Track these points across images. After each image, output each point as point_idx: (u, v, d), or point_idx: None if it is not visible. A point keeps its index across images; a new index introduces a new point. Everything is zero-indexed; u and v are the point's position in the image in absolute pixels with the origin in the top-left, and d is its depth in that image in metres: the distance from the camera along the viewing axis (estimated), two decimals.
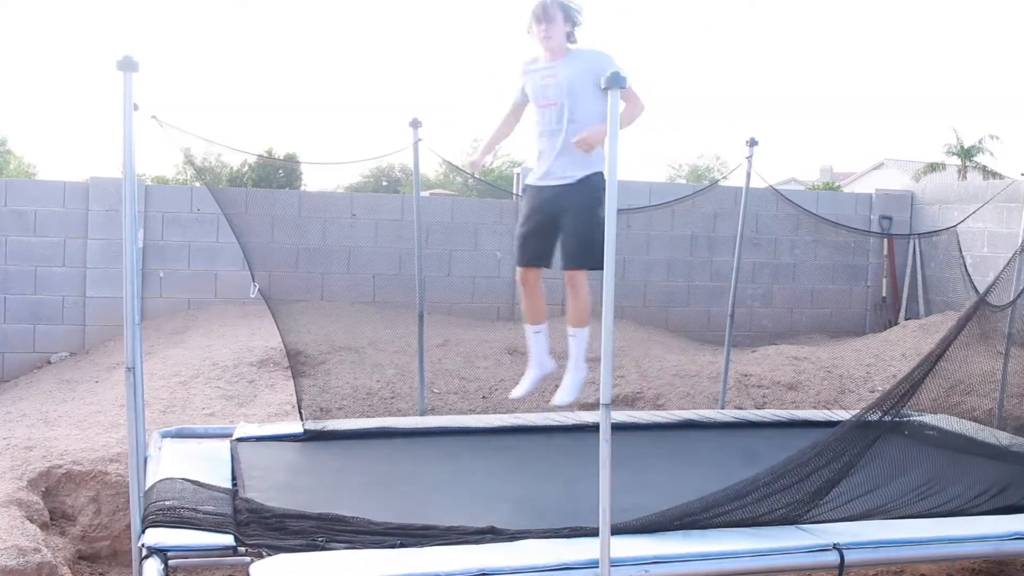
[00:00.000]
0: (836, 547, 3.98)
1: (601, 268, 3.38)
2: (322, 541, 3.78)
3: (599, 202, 4.27)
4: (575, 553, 3.75)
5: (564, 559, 3.72)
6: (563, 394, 4.38)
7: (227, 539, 3.83)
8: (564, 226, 4.41)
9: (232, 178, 26.42)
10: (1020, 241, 7.07)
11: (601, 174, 4.35)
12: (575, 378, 4.46)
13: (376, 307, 9.55)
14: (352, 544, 3.78)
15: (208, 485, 4.38)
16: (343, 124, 63.64)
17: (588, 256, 4.26)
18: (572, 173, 4.41)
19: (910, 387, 4.03)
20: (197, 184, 13.20)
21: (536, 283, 4.47)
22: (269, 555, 3.66)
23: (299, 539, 3.80)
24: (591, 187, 4.37)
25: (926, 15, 75.51)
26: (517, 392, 4.45)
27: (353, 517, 3.99)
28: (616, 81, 3.44)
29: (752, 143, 7.02)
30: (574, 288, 4.43)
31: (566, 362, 4.56)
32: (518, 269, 4.53)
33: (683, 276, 10.80)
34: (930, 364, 4.04)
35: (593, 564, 3.62)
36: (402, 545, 3.79)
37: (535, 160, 4.65)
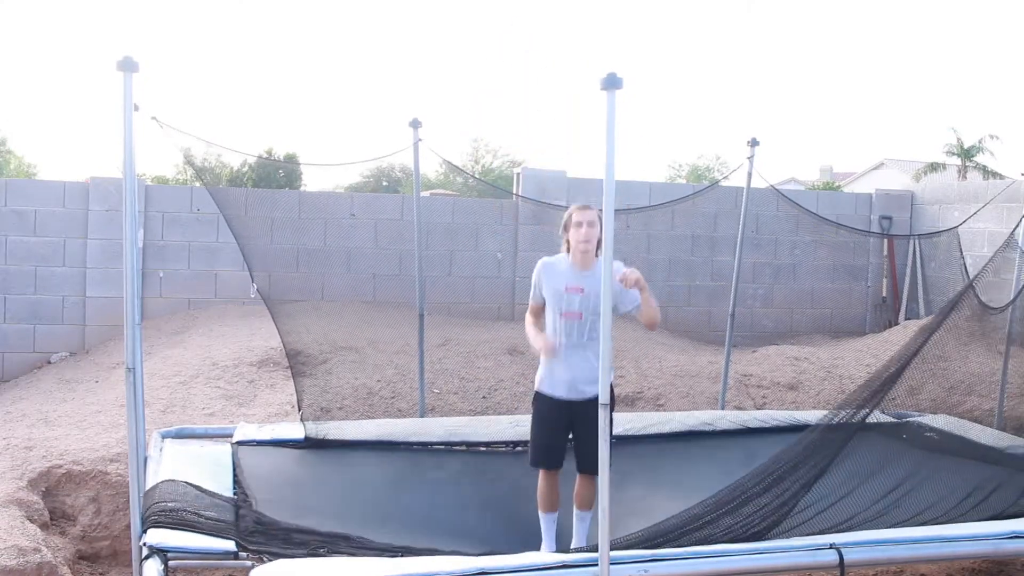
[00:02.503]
0: (835, 547, 3.99)
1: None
2: (324, 551, 3.79)
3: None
4: (575, 552, 3.76)
5: (564, 558, 3.74)
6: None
7: (228, 544, 3.84)
8: (587, 435, 4.42)
9: (232, 178, 26.43)
10: (1011, 238, 7.07)
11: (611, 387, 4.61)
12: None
13: (376, 307, 9.54)
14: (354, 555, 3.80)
15: (211, 492, 4.39)
16: (343, 124, 63.64)
17: None
18: (593, 387, 4.43)
19: (893, 375, 4.03)
20: (197, 184, 13.19)
21: (557, 479, 4.66)
22: (270, 560, 3.67)
23: (301, 549, 3.81)
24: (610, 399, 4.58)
25: (926, 15, 75.56)
26: None
27: (358, 537, 3.99)
28: (614, 82, 3.44)
29: (753, 143, 7.02)
30: (590, 482, 4.59)
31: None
32: (542, 471, 4.67)
33: (683, 276, 10.79)
34: (915, 349, 4.05)
35: (593, 563, 3.64)
36: (403, 555, 3.81)
37: (546, 358, 4.58)
